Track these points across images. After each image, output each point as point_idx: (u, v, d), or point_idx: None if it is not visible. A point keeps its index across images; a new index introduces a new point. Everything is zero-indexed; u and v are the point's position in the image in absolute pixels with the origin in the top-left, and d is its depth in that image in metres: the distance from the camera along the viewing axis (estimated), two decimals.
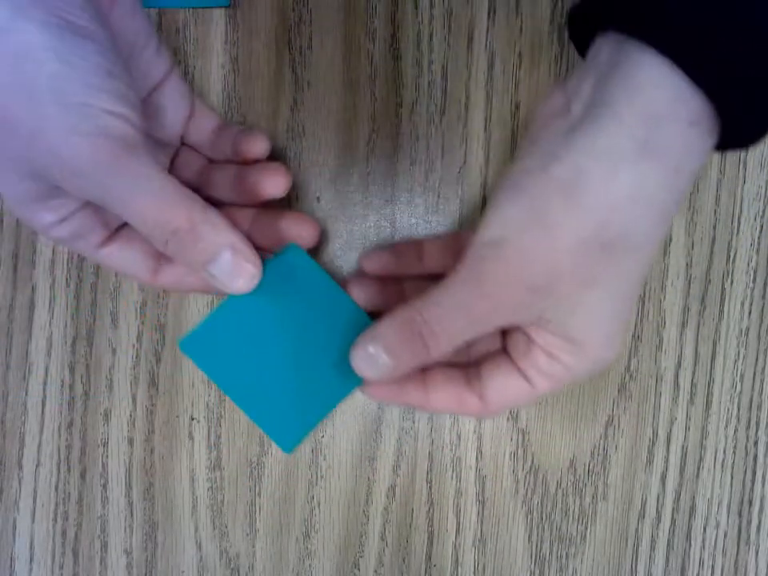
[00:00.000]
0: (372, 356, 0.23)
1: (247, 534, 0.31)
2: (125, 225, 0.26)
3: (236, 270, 0.24)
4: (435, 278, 0.27)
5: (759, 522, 0.32)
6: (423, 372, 0.26)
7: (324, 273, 0.27)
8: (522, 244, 0.21)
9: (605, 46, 0.21)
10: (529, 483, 0.31)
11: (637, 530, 0.32)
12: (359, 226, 0.31)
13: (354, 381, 0.26)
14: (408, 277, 0.29)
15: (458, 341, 0.23)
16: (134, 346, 0.31)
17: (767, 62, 0.19)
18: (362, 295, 0.28)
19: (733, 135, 0.21)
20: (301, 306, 0.26)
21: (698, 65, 0.19)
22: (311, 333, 0.26)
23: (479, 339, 0.25)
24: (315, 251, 0.31)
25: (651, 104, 0.20)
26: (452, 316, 0.23)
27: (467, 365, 0.26)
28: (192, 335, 0.26)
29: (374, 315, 0.27)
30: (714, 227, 0.31)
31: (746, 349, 0.31)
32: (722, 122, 0.20)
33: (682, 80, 0.19)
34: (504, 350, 0.26)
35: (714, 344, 0.31)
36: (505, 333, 0.26)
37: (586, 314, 0.22)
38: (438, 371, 0.26)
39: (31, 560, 0.32)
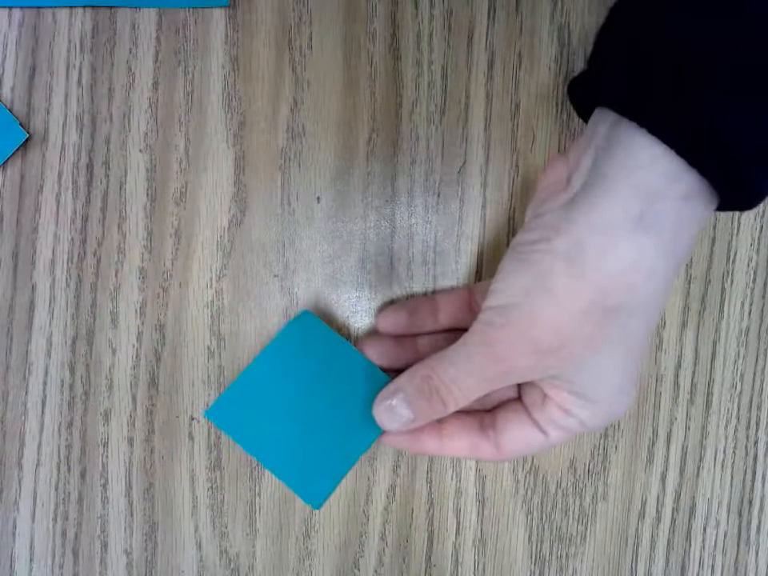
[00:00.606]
0: (393, 409, 0.25)
1: (247, 534, 0.31)
2: None
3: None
4: (449, 332, 0.29)
5: (759, 522, 0.32)
6: (439, 421, 0.27)
7: (336, 335, 0.28)
8: (529, 309, 0.22)
9: (603, 120, 0.22)
10: (529, 483, 0.31)
11: (637, 529, 0.32)
12: (359, 226, 0.31)
13: (373, 433, 0.27)
14: (423, 333, 0.29)
15: (472, 397, 0.25)
16: (133, 345, 0.31)
17: (762, 140, 0.20)
18: (376, 354, 0.29)
19: (732, 202, 0.22)
20: (318, 367, 0.28)
21: (691, 147, 0.20)
22: (330, 391, 0.28)
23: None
24: (315, 253, 0.31)
25: (646, 181, 0.21)
26: (466, 376, 0.24)
27: (482, 411, 0.27)
28: (217, 403, 0.28)
29: (389, 372, 0.28)
30: (714, 227, 0.31)
31: (745, 349, 0.31)
32: (720, 195, 0.21)
33: (675, 159, 0.20)
34: (519, 399, 0.27)
35: (714, 344, 0.31)
36: (521, 387, 0.27)
37: (593, 372, 0.23)
38: (453, 419, 0.27)
39: (31, 560, 0.32)
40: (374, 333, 0.30)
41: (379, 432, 0.27)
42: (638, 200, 0.21)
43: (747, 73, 0.20)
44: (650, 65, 0.21)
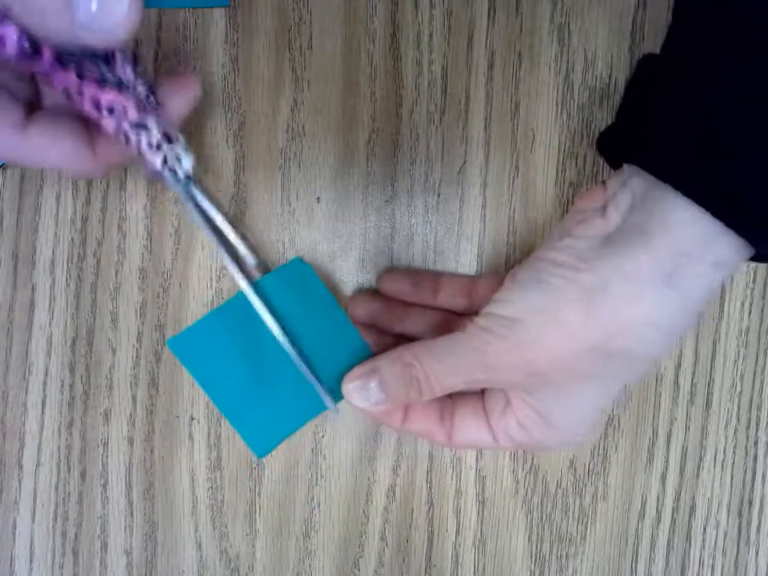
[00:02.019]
0: (366, 388, 0.25)
1: (247, 534, 0.31)
2: (35, 108, 0.24)
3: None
4: (442, 312, 0.29)
5: (759, 522, 0.32)
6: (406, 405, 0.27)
7: (326, 290, 0.27)
8: (535, 331, 0.22)
9: (637, 171, 0.23)
10: (529, 483, 0.31)
11: (637, 529, 0.32)
12: (359, 225, 0.31)
13: (336, 397, 0.27)
14: (417, 305, 0.29)
15: (447, 391, 0.25)
16: (134, 345, 0.31)
17: None
18: (363, 313, 0.29)
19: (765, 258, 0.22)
20: (296, 319, 0.27)
21: (727, 210, 0.20)
22: (302, 345, 0.27)
23: None
24: (315, 253, 0.31)
25: (680, 241, 0.21)
26: (449, 374, 0.24)
27: (445, 397, 0.27)
28: (182, 334, 0.27)
29: (367, 330, 0.28)
30: None
31: (746, 349, 0.31)
32: (756, 252, 0.21)
33: (711, 221, 0.20)
34: (481, 396, 0.27)
35: (714, 344, 0.31)
36: (486, 391, 0.27)
37: (569, 401, 0.24)
38: (419, 405, 0.27)
39: (31, 560, 0.32)
40: (365, 292, 0.30)
41: (340, 397, 0.27)
42: (671, 259, 0.21)
43: None
44: (682, 129, 0.21)
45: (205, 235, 0.26)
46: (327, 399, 0.27)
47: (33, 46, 0.19)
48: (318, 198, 0.31)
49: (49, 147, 0.23)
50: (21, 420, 0.31)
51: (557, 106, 0.30)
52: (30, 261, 0.31)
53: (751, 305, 0.31)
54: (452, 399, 0.27)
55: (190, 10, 0.30)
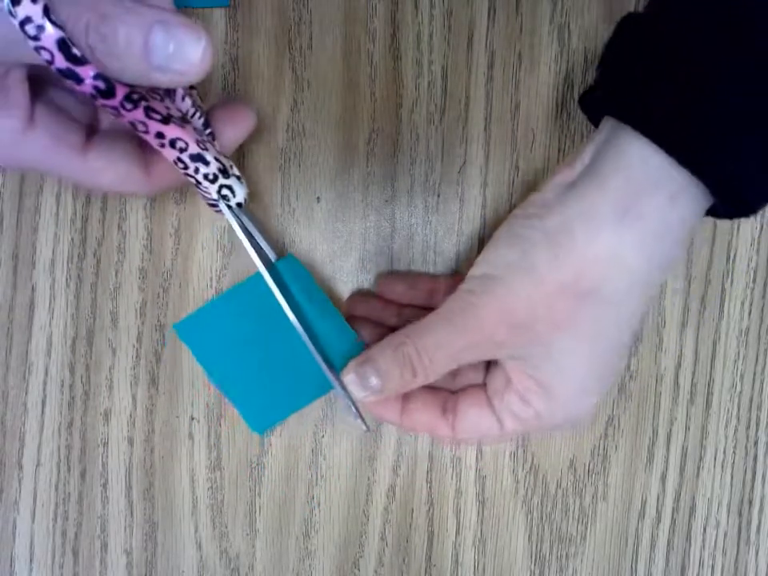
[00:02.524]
0: (363, 377, 0.25)
1: (247, 534, 0.31)
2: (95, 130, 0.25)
3: (176, 43, 0.19)
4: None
5: (759, 522, 0.32)
6: (405, 396, 0.27)
7: (316, 285, 0.29)
8: (509, 282, 0.24)
9: (607, 123, 0.24)
10: (529, 483, 0.31)
11: (637, 529, 0.32)
12: (359, 225, 0.31)
13: (329, 385, 0.28)
14: (412, 305, 0.30)
15: (441, 370, 0.25)
16: (134, 346, 0.31)
17: (754, 141, 0.21)
18: (360, 312, 0.30)
19: (727, 203, 0.23)
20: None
21: (679, 146, 0.21)
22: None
23: (465, 371, 0.27)
24: (315, 253, 0.31)
25: (634, 178, 0.22)
26: (438, 344, 0.25)
27: (448, 392, 0.28)
28: (187, 320, 0.29)
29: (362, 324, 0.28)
30: (714, 227, 0.31)
31: (746, 349, 0.31)
32: (713, 193, 0.22)
33: (664, 158, 0.22)
34: (483, 386, 0.27)
35: (714, 344, 0.31)
36: (487, 372, 0.27)
37: (558, 359, 0.24)
38: (418, 396, 0.27)
39: (31, 560, 0.32)
40: (362, 292, 0.31)
41: (330, 388, 0.28)
42: (625, 195, 0.22)
43: (746, 82, 0.21)
44: (648, 74, 0.22)
45: (252, 261, 0.27)
46: (333, 378, 0.27)
47: (108, 86, 0.20)
48: (318, 198, 0.31)
49: (105, 169, 0.24)
50: (21, 420, 0.31)
51: (557, 106, 0.30)
52: (30, 261, 0.31)
53: (751, 305, 0.31)
54: (454, 394, 0.27)
55: (190, 9, 0.30)
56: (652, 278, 0.24)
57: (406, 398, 0.27)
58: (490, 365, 0.27)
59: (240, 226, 0.26)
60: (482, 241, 0.31)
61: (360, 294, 0.31)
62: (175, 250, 0.31)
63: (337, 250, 0.31)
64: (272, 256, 0.28)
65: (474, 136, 0.30)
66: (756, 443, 0.32)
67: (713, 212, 0.24)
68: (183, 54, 0.19)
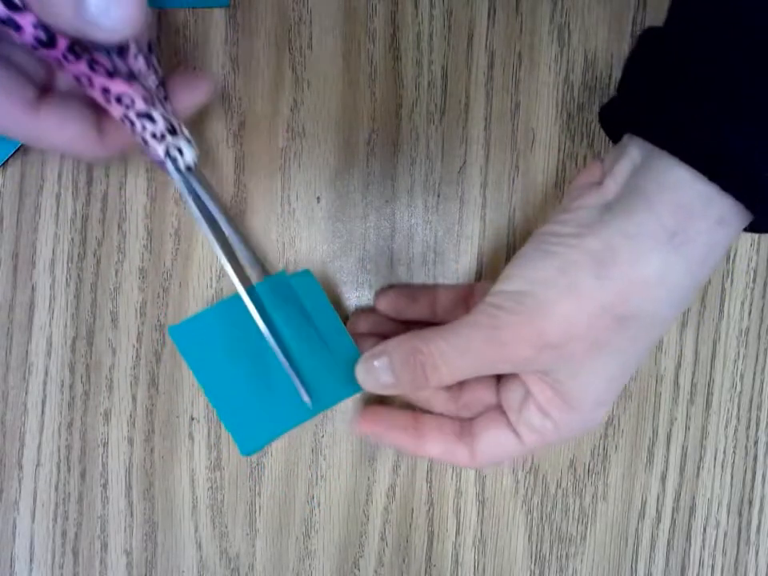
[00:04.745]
0: (375, 370, 0.25)
1: (247, 534, 0.31)
2: (48, 90, 0.25)
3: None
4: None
5: (759, 522, 0.32)
6: (416, 419, 0.27)
7: (329, 304, 0.28)
8: (546, 300, 0.22)
9: (636, 142, 0.23)
10: (529, 483, 0.31)
11: (637, 529, 0.32)
12: (359, 225, 0.31)
13: (324, 405, 0.27)
14: (416, 321, 0.29)
15: (457, 378, 0.24)
16: (134, 346, 0.31)
17: None
18: (365, 327, 0.29)
19: (765, 225, 0.22)
20: (297, 326, 0.27)
21: (723, 174, 0.20)
22: (299, 351, 0.27)
23: (474, 386, 0.27)
24: (315, 253, 0.31)
25: (683, 199, 0.21)
26: (458, 355, 0.24)
27: (462, 419, 0.27)
28: (183, 324, 0.27)
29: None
30: None
31: (746, 349, 0.31)
32: (755, 217, 0.21)
33: (707, 182, 0.21)
34: (498, 407, 0.27)
35: (714, 344, 0.31)
36: (500, 386, 0.27)
37: (585, 379, 0.23)
38: (432, 421, 0.27)
39: (31, 560, 0.32)
40: (368, 310, 0.31)
41: (331, 405, 0.27)
42: (674, 217, 0.21)
43: None
44: (676, 96, 0.21)
45: (202, 232, 0.26)
46: (302, 392, 0.26)
47: (48, 36, 0.21)
48: (318, 198, 0.31)
49: (57, 128, 0.24)
50: (21, 420, 0.31)
51: (557, 106, 0.30)
52: (30, 261, 0.31)
53: (751, 305, 0.31)
54: (470, 420, 0.27)
55: (190, 9, 0.30)
56: (690, 300, 0.23)
57: (418, 423, 0.27)
58: (501, 378, 0.27)
59: (188, 189, 0.25)
60: (482, 241, 0.31)
61: (364, 310, 0.31)
62: (175, 250, 0.31)
63: (337, 250, 0.31)
64: (223, 224, 0.26)
65: (474, 136, 0.30)
66: (756, 443, 0.32)
67: (750, 227, 0.23)
68: (113, 8, 0.19)
